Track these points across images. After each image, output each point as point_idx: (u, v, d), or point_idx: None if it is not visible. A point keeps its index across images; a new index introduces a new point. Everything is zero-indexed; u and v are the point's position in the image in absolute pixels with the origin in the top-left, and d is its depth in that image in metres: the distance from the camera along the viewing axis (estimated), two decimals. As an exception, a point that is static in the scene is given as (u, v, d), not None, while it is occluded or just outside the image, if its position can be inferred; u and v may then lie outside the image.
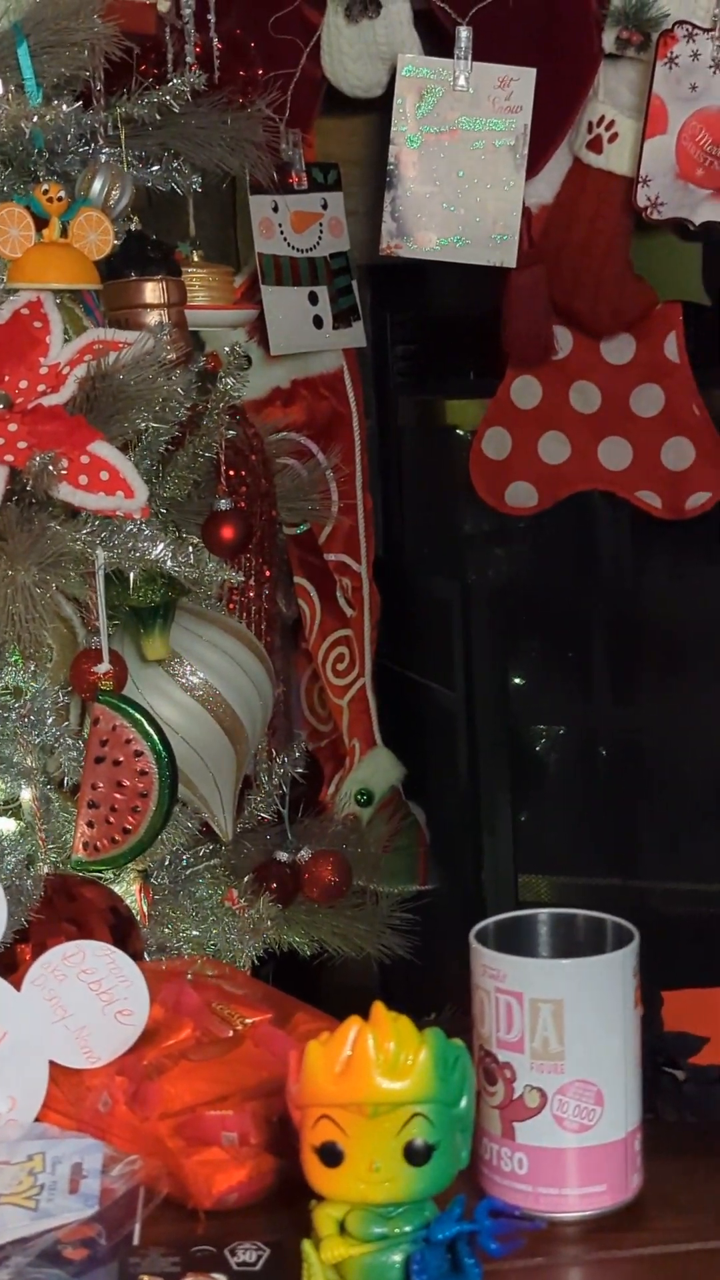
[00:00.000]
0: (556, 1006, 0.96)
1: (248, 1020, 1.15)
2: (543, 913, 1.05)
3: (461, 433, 2.66)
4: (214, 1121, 1.04)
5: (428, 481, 2.79)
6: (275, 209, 2.42)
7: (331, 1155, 0.88)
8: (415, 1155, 0.88)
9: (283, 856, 1.98)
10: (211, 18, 1.88)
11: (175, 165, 1.93)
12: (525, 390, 2.54)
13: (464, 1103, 0.89)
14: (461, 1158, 0.90)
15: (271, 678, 1.97)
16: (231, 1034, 1.13)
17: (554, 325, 2.45)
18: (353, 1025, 0.90)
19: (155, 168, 1.92)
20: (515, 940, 1.02)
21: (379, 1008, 0.91)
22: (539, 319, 2.43)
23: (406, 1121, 0.88)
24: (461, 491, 2.62)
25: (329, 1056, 0.89)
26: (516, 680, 2.72)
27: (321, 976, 2.20)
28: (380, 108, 2.43)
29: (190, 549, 1.69)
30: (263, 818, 2.03)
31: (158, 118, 1.84)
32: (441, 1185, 0.90)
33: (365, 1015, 2.16)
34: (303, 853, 1.99)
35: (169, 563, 1.67)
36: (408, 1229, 0.89)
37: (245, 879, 1.95)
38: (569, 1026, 0.96)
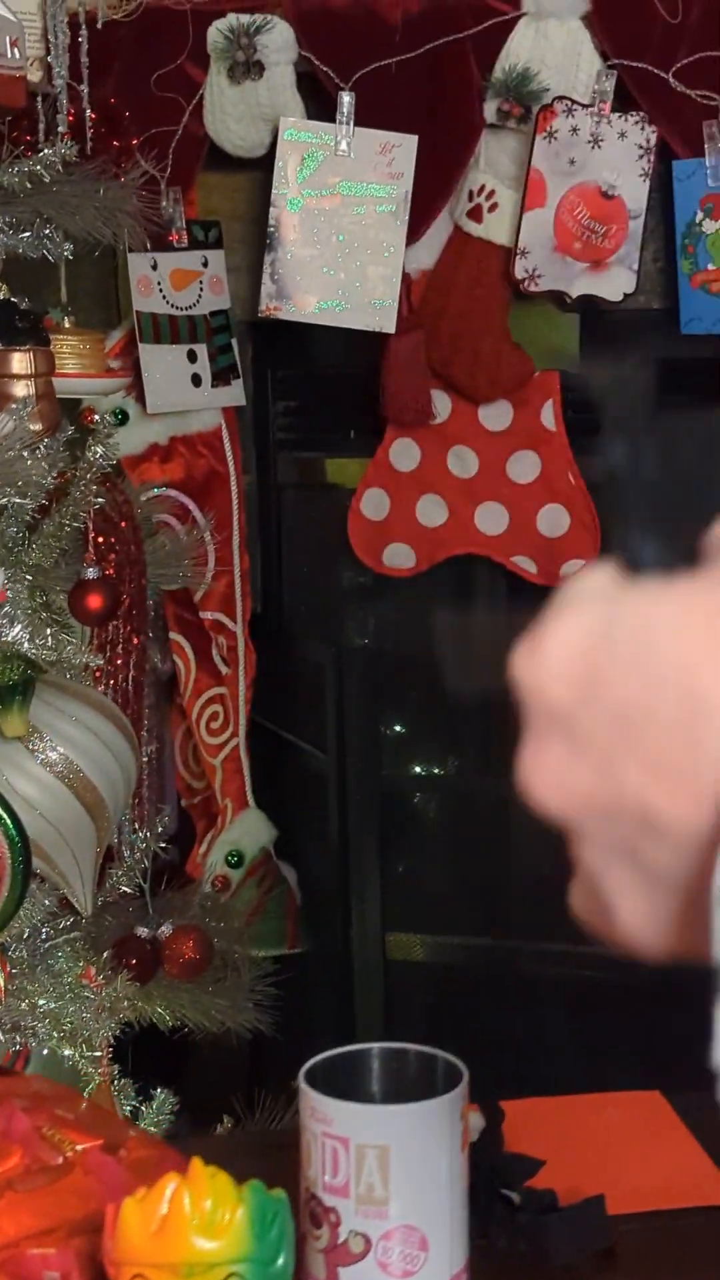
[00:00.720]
0: (382, 1152, 0.95)
1: (78, 1147, 1.13)
2: (374, 1048, 1.04)
3: (341, 491, 2.65)
4: (36, 1261, 1.02)
5: (307, 539, 2.78)
6: (154, 266, 2.40)
7: (147, 1310, 0.87)
8: (232, 1312, 0.87)
9: (143, 932, 1.97)
10: (84, 88, 1.87)
11: (47, 232, 1.91)
12: (404, 452, 2.54)
13: (281, 1260, 0.88)
14: (280, 1310, 0.89)
15: (135, 750, 1.95)
16: (61, 1161, 1.11)
17: (433, 390, 2.46)
18: (170, 1181, 0.88)
19: (26, 234, 1.90)
20: (347, 1076, 1.02)
21: (196, 1164, 0.90)
22: (417, 384, 2.44)
23: (222, 1281, 0.87)
24: (340, 550, 2.62)
25: (145, 1214, 0.88)
26: (390, 740, 2.72)
27: (185, 1049, 2.19)
28: (263, 165, 2.43)
29: (48, 631, 1.68)
30: (124, 890, 2.01)
31: (28, 186, 1.82)
32: (260, 1338, 0.89)
33: (227, 1087, 2.14)
34: (164, 928, 1.98)
35: (26, 644, 1.65)
36: None
37: (104, 955, 1.93)
38: (394, 1172, 0.96)
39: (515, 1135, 1.24)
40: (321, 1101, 0.98)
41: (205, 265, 2.47)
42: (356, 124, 2.34)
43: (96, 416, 2.15)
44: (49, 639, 1.67)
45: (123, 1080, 2.00)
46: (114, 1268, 0.89)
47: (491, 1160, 1.17)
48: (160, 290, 2.41)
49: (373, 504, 2.56)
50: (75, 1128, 1.14)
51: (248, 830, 2.54)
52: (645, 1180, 1.20)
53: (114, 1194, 1.03)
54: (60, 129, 1.83)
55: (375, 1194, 0.96)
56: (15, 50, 1.67)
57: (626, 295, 2.32)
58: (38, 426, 1.80)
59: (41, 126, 1.83)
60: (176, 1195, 0.87)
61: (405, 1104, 0.97)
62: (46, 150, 1.78)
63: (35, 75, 1.77)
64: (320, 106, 2.38)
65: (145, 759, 2.19)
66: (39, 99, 1.84)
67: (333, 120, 2.35)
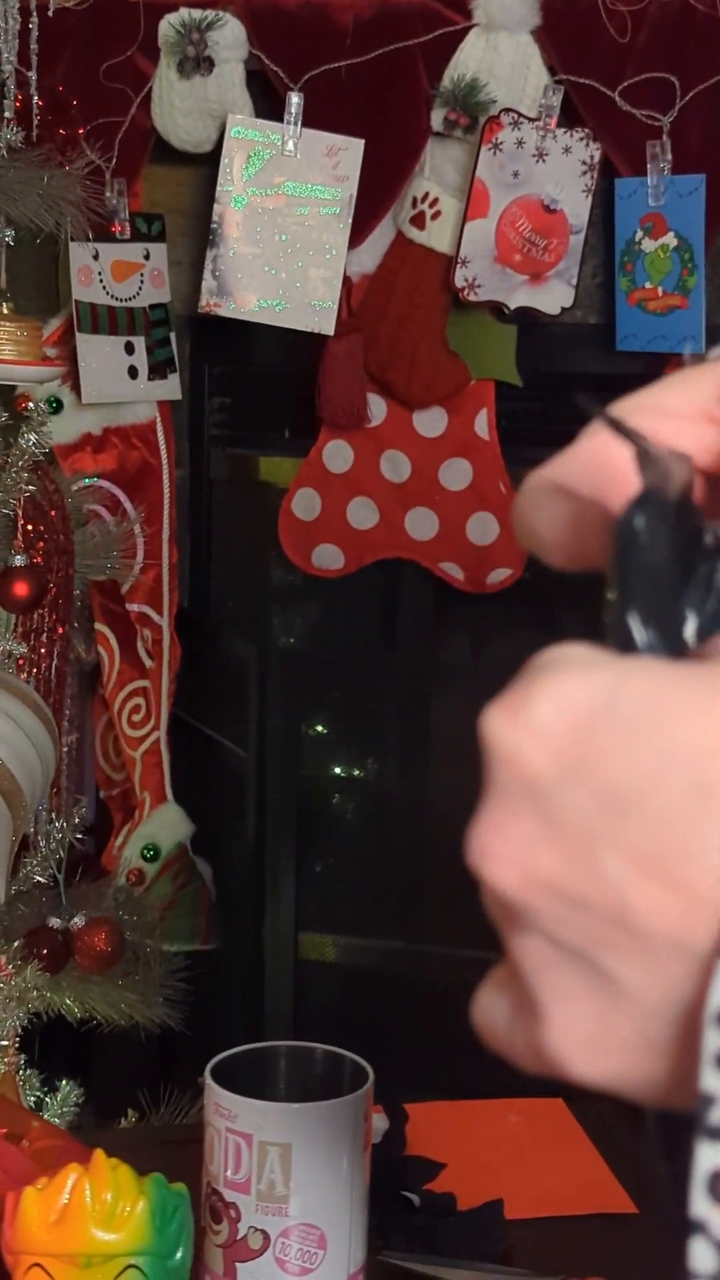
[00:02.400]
0: (285, 1150, 0.96)
1: (-20, 1135, 1.13)
2: (282, 1046, 1.05)
3: (274, 489, 2.66)
4: (-68, 1248, 1.02)
5: (237, 536, 2.78)
6: (96, 256, 2.40)
7: (43, 1301, 0.87)
8: (128, 1304, 0.87)
9: (55, 923, 1.96)
10: (33, 74, 1.86)
11: (-11, 217, 1.90)
12: (337, 454, 2.55)
13: (180, 1254, 0.89)
14: (177, 1304, 0.90)
15: (55, 740, 1.95)
16: (-37, 1149, 1.11)
17: (368, 393, 2.47)
18: (71, 1172, 0.89)
19: (-33, 218, 1.89)
20: (253, 1073, 1.02)
21: (99, 1155, 0.90)
22: (353, 387, 2.45)
23: (120, 1273, 0.87)
24: (269, 548, 2.62)
25: (45, 1204, 0.88)
26: (310, 740, 2.73)
27: (93, 1041, 2.18)
28: (209, 161, 2.42)
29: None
30: (38, 880, 2.01)
31: (-29, 170, 1.81)
32: (155, 1331, 0.89)
33: (134, 1081, 2.14)
34: (76, 919, 1.97)
35: (-50, 630, 1.64)
36: None
37: (15, 944, 1.92)
38: (296, 1170, 0.96)
39: (418, 1137, 1.25)
40: (226, 1097, 0.98)
41: (147, 258, 2.47)
42: (304, 125, 2.34)
43: (31, 404, 2.14)
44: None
45: (28, 1071, 2.00)
46: (12, 1256, 0.89)
47: (393, 1162, 1.18)
48: (100, 281, 2.41)
49: (304, 504, 2.57)
50: (-22, 1116, 1.14)
51: (165, 824, 2.53)
52: (544, 1186, 1.21)
53: (15, 1183, 1.03)
54: (7, 114, 1.82)
55: (276, 1191, 0.97)
56: (-36, 33, 1.66)
57: (564, 309, 2.34)
58: (-30, 412, 1.79)
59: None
60: (77, 1186, 0.88)
61: (309, 1103, 0.98)
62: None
63: (-17, 59, 1.77)
64: (268, 105, 2.39)
65: (65, 749, 2.18)
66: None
67: (280, 120, 2.35)
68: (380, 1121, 1.24)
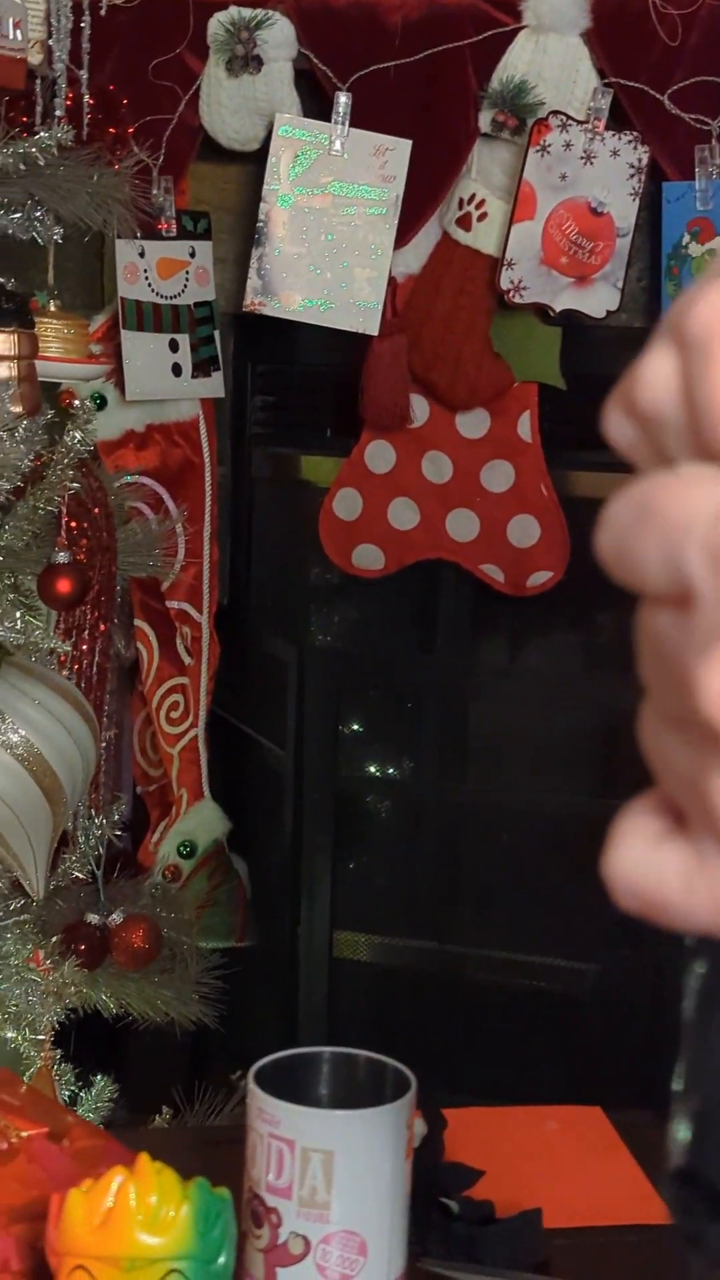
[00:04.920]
0: (327, 1156, 0.96)
1: (23, 1133, 1.13)
2: (325, 1051, 1.05)
3: (315, 489, 2.66)
4: (-25, 1245, 1.02)
5: (278, 535, 2.78)
6: (142, 254, 2.40)
7: (85, 1303, 0.88)
8: (169, 1307, 0.88)
9: (93, 919, 1.97)
10: (84, 73, 1.86)
11: (38, 214, 1.91)
12: (379, 454, 2.55)
13: (223, 1259, 0.89)
14: (219, 1308, 0.90)
15: (96, 737, 1.95)
16: (6, 1147, 1.12)
17: (411, 394, 2.47)
18: (116, 1175, 0.89)
19: (17, 215, 1.90)
20: (296, 1078, 1.02)
21: (144, 1159, 0.90)
22: (397, 388, 2.45)
23: (163, 1277, 0.87)
24: (310, 548, 2.62)
25: (90, 1206, 0.88)
26: (347, 739, 2.73)
27: (128, 1037, 2.19)
28: (256, 160, 2.43)
29: (17, 614, 1.68)
30: (77, 876, 2.01)
31: (22, 168, 1.82)
32: (196, 1335, 0.89)
33: (167, 1077, 2.14)
34: (114, 916, 1.98)
35: (-6, 627, 1.65)
36: None
37: (53, 940, 1.93)
38: (338, 1177, 0.97)
39: (456, 1143, 1.25)
40: (269, 1103, 0.98)
41: (192, 256, 2.47)
42: (351, 125, 2.34)
43: (76, 401, 2.15)
44: (16, 621, 1.67)
45: (63, 1065, 2.01)
46: (56, 1257, 0.89)
47: (431, 1168, 1.18)
48: (146, 278, 2.41)
49: (345, 504, 2.57)
50: (20, 1115, 1.14)
51: (202, 821, 2.54)
52: (582, 1196, 1.21)
53: (57, 1183, 1.03)
54: (57, 113, 1.83)
55: (318, 1197, 0.97)
56: (18, 32, 1.67)
57: (609, 312, 2.33)
58: (18, 409, 1.80)
59: (39, 109, 1.83)
60: (122, 1189, 0.88)
61: (352, 1110, 0.98)
62: (42, 133, 1.78)
63: (36, 58, 1.77)
64: (316, 105, 2.39)
65: (104, 745, 2.19)
66: (38, 81, 1.84)
67: (328, 119, 2.35)
68: (419, 1126, 1.24)
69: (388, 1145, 0.98)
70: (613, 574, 0.40)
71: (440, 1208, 1.16)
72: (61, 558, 2.00)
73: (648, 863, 0.40)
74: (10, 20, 1.66)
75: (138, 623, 2.59)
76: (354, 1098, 1.02)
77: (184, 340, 2.46)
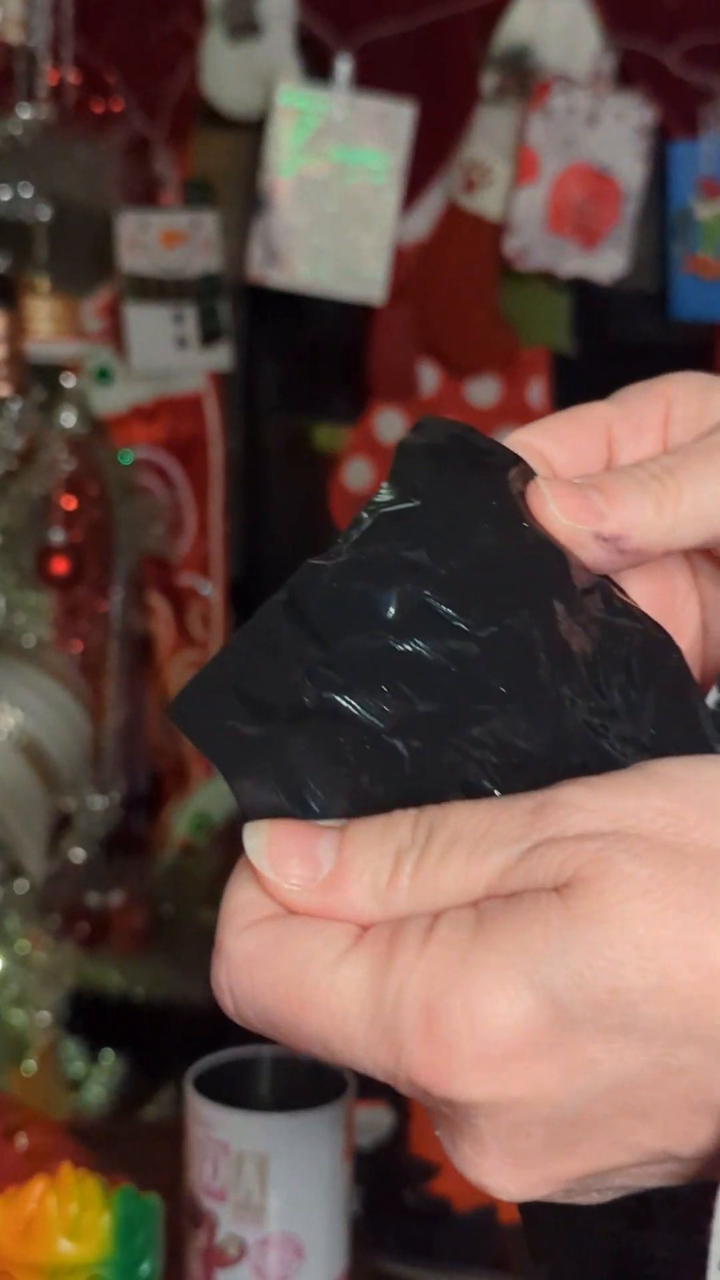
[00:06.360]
0: (261, 1160, 0.96)
1: (-26, 1131, 1.14)
2: (265, 1051, 1.04)
3: (327, 459, 2.63)
4: None
5: (290, 506, 2.76)
6: (144, 226, 2.38)
7: (13, 1309, 0.88)
8: (92, 1316, 0.87)
9: (94, 899, 1.97)
10: (67, 49, 1.85)
11: (27, 196, 1.89)
12: (388, 424, 2.52)
13: (145, 1266, 0.89)
14: (147, 1314, 0.90)
15: (91, 718, 1.95)
16: (-44, 1144, 1.12)
17: (419, 363, 2.44)
18: (38, 1184, 0.89)
19: (5, 196, 1.89)
20: (237, 1081, 1.02)
21: (66, 1168, 0.90)
22: (403, 356, 2.42)
23: (85, 1284, 0.87)
24: (324, 519, 2.60)
25: (12, 1214, 0.88)
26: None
27: (134, 1014, 2.20)
28: (258, 127, 2.40)
29: (2, 599, 1.67)
30: (79, 856, 2.02)
31: (5, 149, 1.81)
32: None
33: (176, 1055, 2.14)
34: (115, 896, 1.98)
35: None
36: None
37: (54, 920, 1.94)
38: (273, 1181, 0.96)
39: (420, 1135, 1.25)
40: (204, 1105, 0.98)
41: (196, 227, 2.45)
42: (353, 91, 2.31)
43: (74, 378, 2.14)
44: (1, 605, 1.67)
45: (68, 1041, 2.02)
46: (-19, 1265, 0.89)
47: (390, 1160, 1.18)
48: (149, 250, 2.39)
49: (355, 474, 2.55)
50: (-25, 1111, 1.14)
51: (216, 796, 2.54)
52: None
53: (4, 1181, 1.03)
54: (40, 92, 1.81)
55: (253, 1200, 0.97)
56: (-7, 10, 1.65)
57: (617, 277, 2.29)
58: (4, 390, 1.79)
59: (24, 88, 1.82)
60: (44, 1197, 0.88)
61: (286, 1113, 0.97)
62: (23, 113, 1.77)
63: (15, 36, 1.75)
64: (317, 71, 2.35)
65: (113, 723, 2.19)
66: (21, 60, 1.82)
67: (329, 85, 2.32)
68: (382, 1117, 1.23)
69: (324, 1148, 0.98)
70: None
71: (396, 1203, 1.15)
72: (56, 538, 2.00)
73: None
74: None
75: (150, 597, 2.58)
76: (295, 1099, 1.02)
77: (189, 312, 2.44)
